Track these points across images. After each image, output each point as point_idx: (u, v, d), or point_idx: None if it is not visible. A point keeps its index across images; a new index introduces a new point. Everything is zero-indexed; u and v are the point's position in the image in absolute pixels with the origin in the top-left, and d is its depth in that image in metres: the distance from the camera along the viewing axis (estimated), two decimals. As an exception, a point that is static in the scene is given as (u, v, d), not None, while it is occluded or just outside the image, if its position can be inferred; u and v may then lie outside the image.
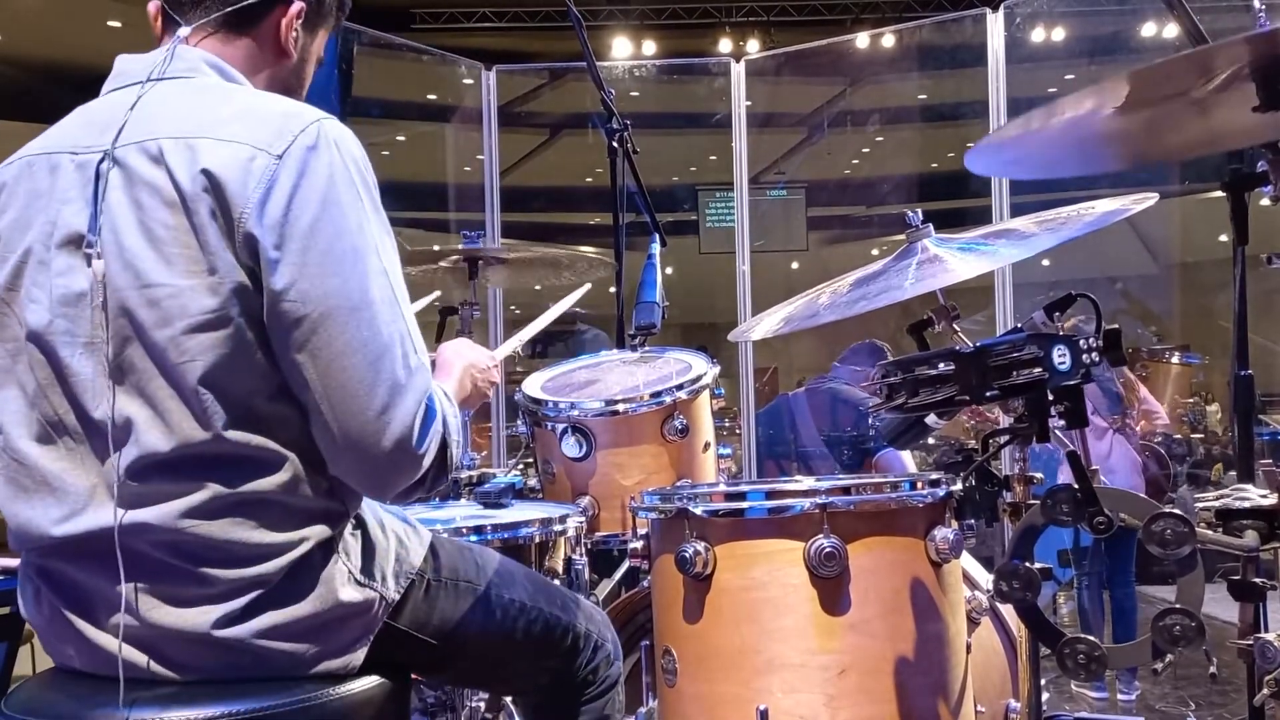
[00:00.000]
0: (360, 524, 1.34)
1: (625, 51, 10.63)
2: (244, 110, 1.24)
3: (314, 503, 1.25)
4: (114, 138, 1.21)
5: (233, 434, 1.18)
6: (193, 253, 1.16)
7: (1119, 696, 4.38)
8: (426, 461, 1.26)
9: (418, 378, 1.24)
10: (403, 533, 1.40)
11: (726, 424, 5.57)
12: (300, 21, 1.38)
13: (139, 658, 1.22)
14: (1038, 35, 6.01)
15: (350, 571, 1.29)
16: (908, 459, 3.84)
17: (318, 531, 1.25)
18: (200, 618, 1.19)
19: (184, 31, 1.32)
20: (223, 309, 1.17)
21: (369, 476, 1.26)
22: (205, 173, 1.17)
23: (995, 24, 4.72)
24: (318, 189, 1.19)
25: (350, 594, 1.28)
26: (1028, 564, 1.32)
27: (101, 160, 1.20)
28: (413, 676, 1.47)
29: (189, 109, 1.24)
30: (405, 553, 1.38)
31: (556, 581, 1.80)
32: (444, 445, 1.28)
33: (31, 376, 1.23)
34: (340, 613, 1.27)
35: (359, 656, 1.29)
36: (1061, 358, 1.32)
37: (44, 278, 1.22)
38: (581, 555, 1.99)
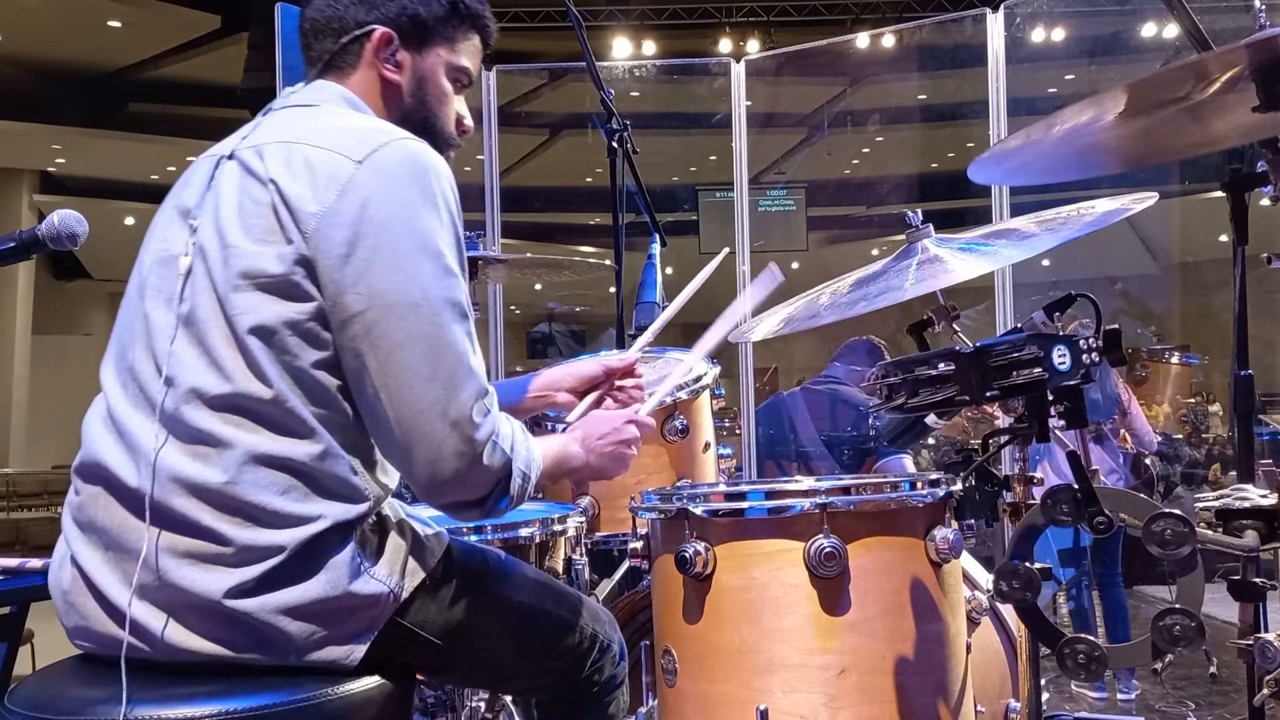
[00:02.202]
0: (380, 519, 1.37)
1: (625, 51, 10.63)
2: (343, 127, 1.37)
3: (339, 482, 1.30)
4: (238, 142, 1.39)
5: (275, 390, 1.27)
6: (269, 224, 1.29)
7: (1119, 696, 4.38)
8: (485, 459, 1.30)
9: (476, 379, 1.31)
10: (421, 533, 1.43)
11: (726, 424, 5.57)
12: (392, 46, 1.49)
13: (155, 621, 1.25)
14: (1038, 35, 6.00)
15: (363, 563, 1.31)
16: (909, 466, 3.83)
17: (337, 511, 1.29)
18: (214, 585, 1.23)
19: (299, 86, 1.50)
20: (284, 275, 1.28)
21: (423, 473, 1.30)
22: (291, 166, 1.31)
23: (995, 24, 4.71)
24: (391, 194, 1.29)
25: (360, 585, 1.30)
26: (1028, 564, 1.32)
27: (228, 157, 1.38)
28: (417, 676, 1.48)
29: (300, 124, 1.40)
30: (420, 552, 1.40)
31: (557, 581, 1.81)
32: (507, 469, 1.34)
33: (130, 332, 1.37)
34: (348, 602, 1.29)
35: (361, 649, 1.31)
36: (1061, 358, 1.32)
37: (155, 244, 1.40)
38: (581, 555, 1.99)
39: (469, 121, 1.57)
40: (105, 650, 1.28)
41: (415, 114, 1.50)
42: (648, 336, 1.91)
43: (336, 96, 1.46)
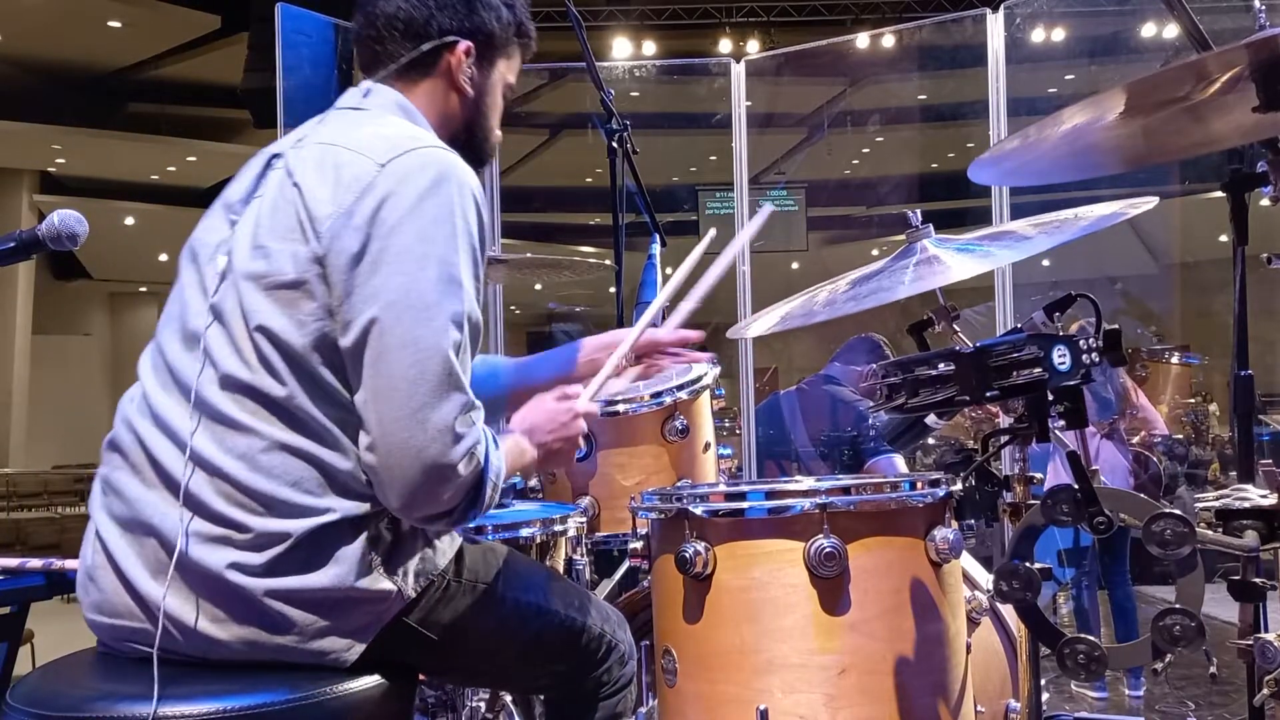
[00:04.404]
0: (394, 518, 1.36)
1: (625, 51, 10.63)
2: (380, 133, 1.38)
3: (352, 479, 1.31)
4: (292, 143, 1.42)
5: (288, 389, 1.29)
6: (292, 224, 1.31)
7: (1127, 693, 4.40)
8: (461, 470, 1.28)
9: (464, 390, 1.30)
10: (434, 534, 1.42)
11: (726, 424, 5.57)
12: (471, 59, 1.51)
13: (172, 600, 1.27)
14: (1038, 35, 6.00)
15: (374, 560, 1.32)
16: (901, 465, 3.83)
17: (348, 506, 1.30)
18: (224, 565, 1.26)
19: (367, 83, 1.51)
20: (299, 277, 1.29)
21: (398, 481, 1.28)
22: (322, 169, 1.33)
23: (995, 24, 4.71)
24: (409, 198, 1.30)
25: (369, 581, 1.30)
26: (1028, 564, 1.32)
27: (275, 156, 1.41)
28: (420, 677, 1.48)
29: (346, 127, 1.41)
30: (432, 553, 1.40)
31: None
32: (480, 481, 1.32)
33: (169, 319, 1.41)
34: (355, 595, 1.29)
35: (362, 645, 1.31)
36: (1061, 358, 1.32)
37: (199, 236, 1.44)
38: (582, 555, 1.99)
39: (499, 133, 1.61)
40: (119, 624, 1.31)
41: (476, 127, 1.54)
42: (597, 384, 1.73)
43: (392, 104, 1.47)
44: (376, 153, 1.32)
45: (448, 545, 1.44)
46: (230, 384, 1.30)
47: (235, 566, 1.26)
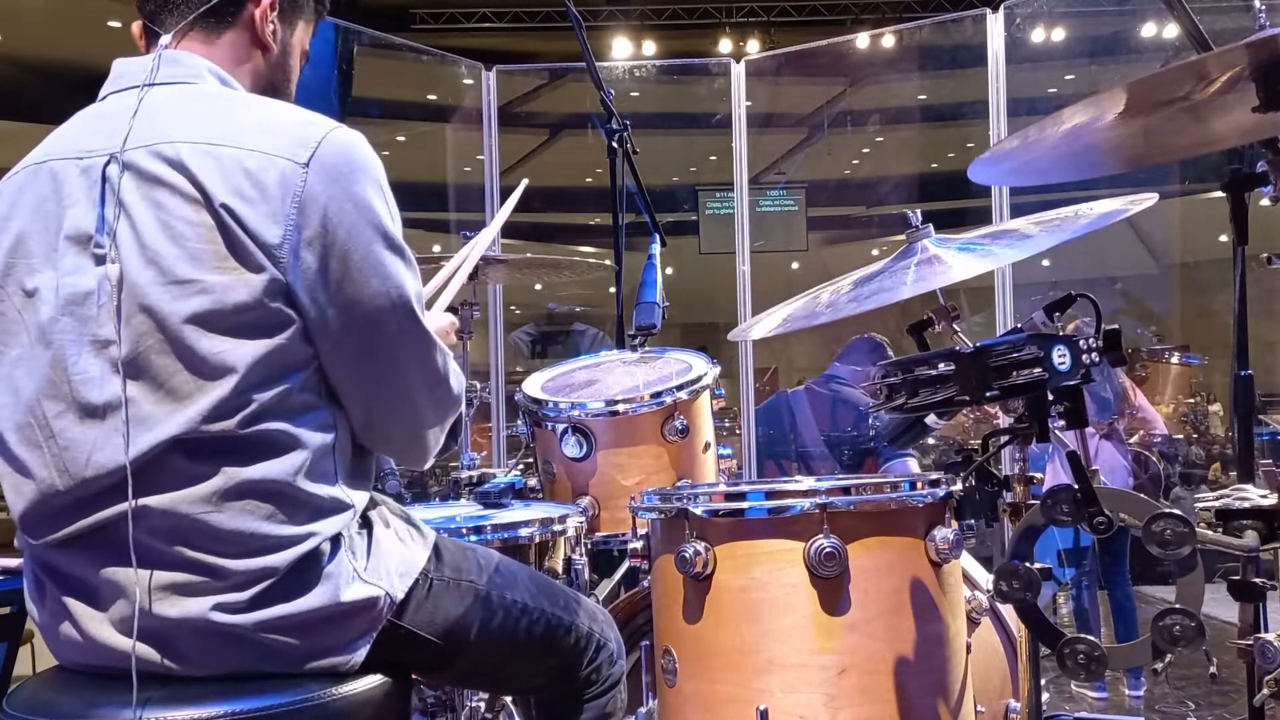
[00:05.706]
0: (366, 523, 1.36)
1: (625, 51, 10.62)
2: (263, 120, 1.27)
3: (324, 497, 1.27)
4: (122, 142, 1.23)
5: (256, 426, 1.21)
6: (219, 249, 1.19)
7: (1127, 693, 4.40)
8: (461, 403, 1.44)
9: (444, 350, 1.39)
10: (407, 533, 1.41)
11: (726, 424, 5.57)
12: (275, 13, 1.40)
13: (150, 654, 1.21)
14: (1038, 35, 6.00)
15: (355, 569, 1.29)
16: (914, 468, 3.84)
17: (326, 526, 1.26)
18: (208, 611, 1.20)
19: (165, 39, 1.34)
20: (255, 305, 1.20)
21: (432, 451, 1.42)
22: (230, 179, 1.20)
23: (995, 24, 4.72)
24: (349, 197, 1.24)
25: (355, 591, 1.28)
26: (1028, 564, 1.32)
27: (107, 163, 1.23)
28: (413, 676, 1.47)
29: (202, 115, 1.26)
30: (409, 552, 1.39)
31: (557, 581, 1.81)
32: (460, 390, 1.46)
33: (33, 375, 1.23)
34: (345, 609, 1.27)
35: (361, 654, 1.30)
36: (1061, 358, 1.32)
37: (51, 277, 1.23)
38: (581, 555, 1.99)
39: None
40: (94, 669, 1.26)
41: (282, 92, 1.43)
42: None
43: (205, 71, 1.33)
44: (287, 149, 1.22)
45: (422, 542, 1.42)
46: (173, 448, 1.18)
47: (220, 607, 1.20)
